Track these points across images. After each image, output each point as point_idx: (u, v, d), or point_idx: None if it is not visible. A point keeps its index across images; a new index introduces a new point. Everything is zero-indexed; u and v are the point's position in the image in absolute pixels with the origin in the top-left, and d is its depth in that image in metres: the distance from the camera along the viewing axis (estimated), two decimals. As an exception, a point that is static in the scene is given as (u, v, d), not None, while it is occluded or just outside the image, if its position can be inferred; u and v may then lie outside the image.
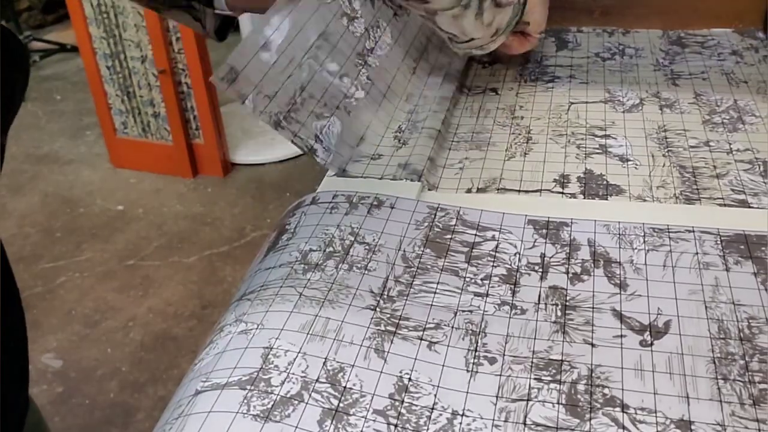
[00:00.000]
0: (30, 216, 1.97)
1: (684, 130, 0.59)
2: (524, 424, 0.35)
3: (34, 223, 1.94)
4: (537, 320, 0.41)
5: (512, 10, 0.56)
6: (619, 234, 0.47)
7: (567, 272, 0.44)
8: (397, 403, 0.36)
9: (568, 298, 0.42)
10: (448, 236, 0.48)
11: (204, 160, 2.12)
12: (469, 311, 0.42)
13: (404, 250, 0.46)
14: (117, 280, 1.71)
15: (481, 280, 0.44)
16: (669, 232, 0.46)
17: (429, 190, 0.54)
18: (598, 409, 0.35)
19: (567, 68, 0.71)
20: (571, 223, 0.48)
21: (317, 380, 0.37)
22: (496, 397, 0.36)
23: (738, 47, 0.73)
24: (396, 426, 0.35)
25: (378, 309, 0.42)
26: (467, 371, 0.38)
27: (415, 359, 0.38)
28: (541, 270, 0.44)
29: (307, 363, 0.38)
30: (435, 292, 0.43)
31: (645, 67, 0.70)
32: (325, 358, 0.38)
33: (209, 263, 1.75)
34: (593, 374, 0.37)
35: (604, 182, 0.53)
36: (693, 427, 0.34)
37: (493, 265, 0.45)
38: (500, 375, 0.37)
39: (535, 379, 0.37)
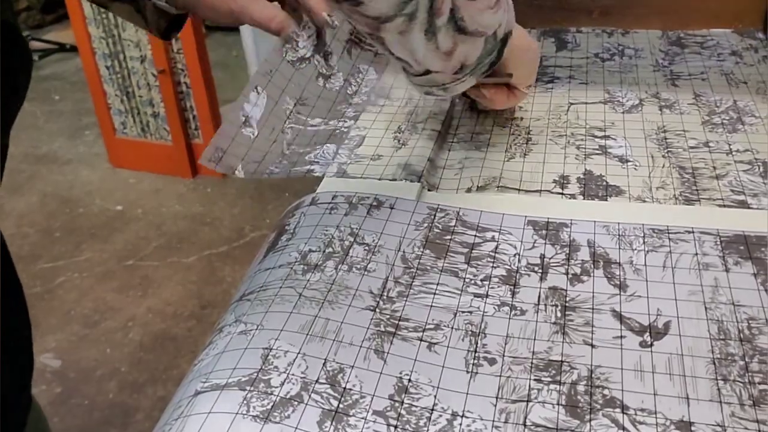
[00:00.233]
0: (29, 216, 1.97)
1: (683, 131, 0.59)
2: (524, 425, 0.35)
3: (32, 223, 1.94)
4: (537, 321, 0.41)
5: (483, 44, 0.45)
6: (619, 235, 0.47)
7: (567, 273, 0.44)
8: (396, 404, 0.36)
9: (567, 298, 0.42)
10: (448, 237, 0.48)
11: (203, 160, 2.11)
12: (468, 312, 0.42)
13: (404, 251, 0.46)
14: (116, 281, 1.71)
15: (481, 280, 0.44)
16: (669, 232, 0.46)
17: (429, 190, 0.54)
18: (598, 410, 0.35)
19: (566, 69, 0.71)
20: (571, 223, 0.48)
21: (317, 381, 0.37)
22: (496, 398, 0.36)
23: (737, 48, 0.73)
24: (396, 427, 0.35)
25: (378, 310, 0.42)
26: (467, 372, 0.38)
27: (415, 360, 0.38)
28: (540, 271, 0.44)
29: (307, 364, 0.38)
30: (435, 293, 0.43)
31: (644, 67, 0.70)
32: (325, 359, 0.38)
33: (208, 263, 1.75)
34: (593, 375, 0.37)
35: (604, 183, 0.53)
36: (693, 428, 0.34)
37: (492, 266, 0.45)
38: (500, 376, 0.37)
39: (535, 380, 0.37)
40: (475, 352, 0.39)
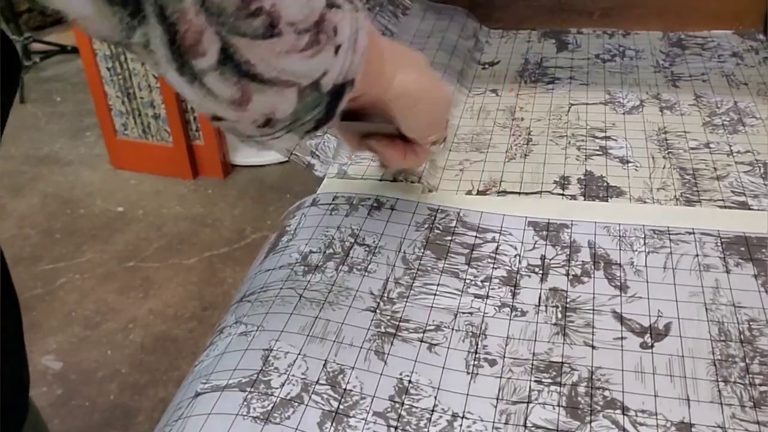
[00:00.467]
0: (30, 217, 1.97)
1: (684, 132, 0.59)
2: (524, 426, 0.35)
3: (34, 224, 1.94)
4: (537, 322, 0.41)
5: (298, 96, 0.33)
6: (620, 236, 0.47)
7: (567, 274, 0.44)
8: (397, 405, 0.36)
9: (568, 300, 0.42)
10: (449, 238, 0.47)
11: (204, 162, 2.12)
12: (469, 313, 0.42)
13: (404, 252, 0.46)
14: (117, 282, 1.71)
15: (482, 282, 0.44)
16: (669, 234, 0.46)
17: (429, 191, 0.53)
18: (599, 411, 0.35)
19: (567, 70, 0.71)
20: (572, 224, 0.48)
21: (317, 382, 0.37)
22: (497, 399, 0.36)
23: (738, 49, 0.73)
24: (396, 428, 0.35)
25: (378, 311, 0.42)
26: (467, 373, 0.38)
27: (416, 361, 0.38)
28: (541, 272, 0.44)
29: (307, 365, 0.38)
30: (435, 294, 0.43)
31: (645, 68, 0.70)
32: (325, 360, 0.38)
33: (209, 265, 1.75)
34: (594, 376, 0.37)
35: (605, 184, 0.53)
36: (694, 429, 0.34)
37: (493, 267, 0.45)
38: (500, 377, 0.37)
39: (535, 381, 0.37)
40: (476, 353, 0.39)
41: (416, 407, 0.36)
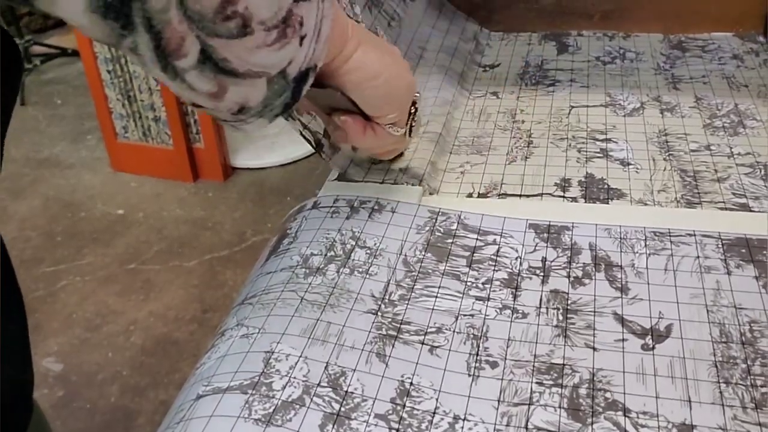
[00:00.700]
0: (31, 220, 1.98)
1: (685, 134, 0.59)
2: (526, 428, 0.35)
3: (35, 226, 1.94)
4: (538, 324, 0.41)
5: (267, 85, 0.35)
6: (621, 238, 0.47)
7: (568, 276, 0.44)
8: (398, 408, 0.36)
9: (569, 302, 0.42)
10: (450, 240, 0.48)
11: (204, 165, 2.12)
12: (470, 315, 0.42)
13: (405, 255, 0.46)
14: (118, 284, 1.71)
15: (483, 284, 0.44)
16: (670, 235, 0.46)
17: (430, 194, 0.54)
18: (600, 413, 0.35)
19: (568, 72, 0.71)
20: (572, 227, 0.48)
21: (319, 384, 0.37)
22: (498, 401, 0.36)
23: (739, 51, 0.73)
24: (398, 430, 0.35)
25: (379, 313, 0.42)
26: (469, 375, 0.38)
27: (417, 363, 0.38)
28: (542, 274, 0.44)
29: (309, 367, 0.38)
30: (436, 297, 0.43)
31: (646, 70, 0.70)
32: (327, 363, 0.38)
33: (210, 267, 1.75)
34: (595, 378, 0.37)
35: (605, 186, 0.53)
36: (695, 430, 0.34)
37: (494, 270, 0.45)
38: (502, 379, 0.37)
39: (536, 383, 0.37)
40: (477, 355, 0.39)
41: (418, 409, 0.36)
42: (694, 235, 0.46)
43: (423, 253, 0.46)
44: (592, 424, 0.35)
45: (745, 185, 0.52)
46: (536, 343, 0.39)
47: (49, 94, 2.72)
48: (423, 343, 0.40)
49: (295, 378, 0.37)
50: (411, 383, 0.37)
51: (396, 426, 0.35)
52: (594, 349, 0.39)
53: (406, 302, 0.43)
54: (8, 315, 0.56)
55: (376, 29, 0.64)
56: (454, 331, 0.40)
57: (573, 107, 0.65)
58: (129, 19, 0.28)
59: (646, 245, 0.46)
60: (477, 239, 0.48)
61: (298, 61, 0.36)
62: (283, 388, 0.37)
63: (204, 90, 0.33)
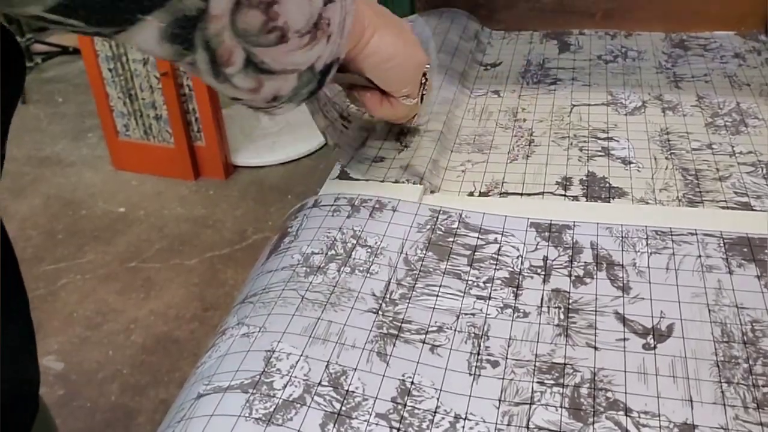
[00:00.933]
0: (32, 218, 1.98)
1: (687, 133, 0.59)
2: (527, 428, 0.35)
3: (35, 225, 1.94)
4: (540, 323, 0.41)
5: (297, 78, 0.41)
6: (622, 237, 0.47)
7: (569, 275, 0.44)
8: (399, 407, 0.36)
9: (570, 301, 0.42)
10: (451, 239, 0.47)
11: (205, 163, 2.12)
12: (471, 314, 0.42)
13: (406, 253, 0.46)
14: (118, 283, 1.71)
15: (484, 283, 0.44)
16: (672, 234, 0.46)
17: (431, 192, 0.53)
18: (602, 412, 0.35)
19: (569, 71, 0.71)
20: (574, 225, 0.48)
21: (319, 384, 0.37)
22: (499, 400, 0.36)
23: (740, 50, 0.73)
24: (399, 430, 0.35)
25: (380, 312, 0.42)
26: (470, 375, 0.38)
27: (418, 362, 0.38)
28: (543, 273, 0.44)
29: (310, 366, 0.38)
30: (437, 295, 0.43)
31: (647, 69, 0.70)
32: (328, 362, 0.38)
33: (210, 266, 1.75)
34: (596, 378, 0.37)
35: (607, 185, 0.53)
36: (697, 430, 0.34)
37: (495, 268, 0.45)
38: (503, 378, 0.37)
39: (537, 382, 0.37)
40: (478, 354, 0.39)
41: (418, 409, 0.36)
42: (696, 234, 0.46)
43: (424, 251, 0.46)
44: (593, 423, 0.35)
45: (747, 184, 0.52)
46: (537, 342, 0.39)
47: (50, 92, 2.72)
48: (424, 342, 0.40)
49: (295, 377, 0.37)
50: (412, 382, 0.37)
51: (397, 425, 0.35)
52: (595, 348, 0.39)
53: (407, 301, 0.42)
54: (14, 313, 0.56)
55: None
56: (455, 330, 0.40)
57: (574, 106, 0.64)
58: (191, 42, 0.34)
59: (647, 244, 0.46)
60: (478, 238, 0.47)
61: (324, 56, 0.41)
62: (284, 387, 0.37)
63: (245, 87, 0.39)
